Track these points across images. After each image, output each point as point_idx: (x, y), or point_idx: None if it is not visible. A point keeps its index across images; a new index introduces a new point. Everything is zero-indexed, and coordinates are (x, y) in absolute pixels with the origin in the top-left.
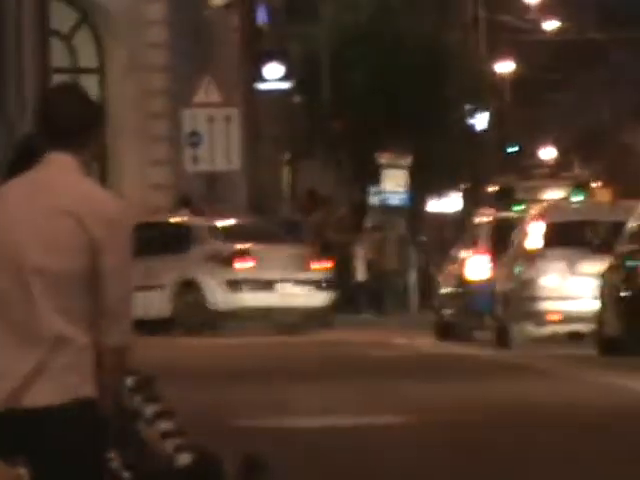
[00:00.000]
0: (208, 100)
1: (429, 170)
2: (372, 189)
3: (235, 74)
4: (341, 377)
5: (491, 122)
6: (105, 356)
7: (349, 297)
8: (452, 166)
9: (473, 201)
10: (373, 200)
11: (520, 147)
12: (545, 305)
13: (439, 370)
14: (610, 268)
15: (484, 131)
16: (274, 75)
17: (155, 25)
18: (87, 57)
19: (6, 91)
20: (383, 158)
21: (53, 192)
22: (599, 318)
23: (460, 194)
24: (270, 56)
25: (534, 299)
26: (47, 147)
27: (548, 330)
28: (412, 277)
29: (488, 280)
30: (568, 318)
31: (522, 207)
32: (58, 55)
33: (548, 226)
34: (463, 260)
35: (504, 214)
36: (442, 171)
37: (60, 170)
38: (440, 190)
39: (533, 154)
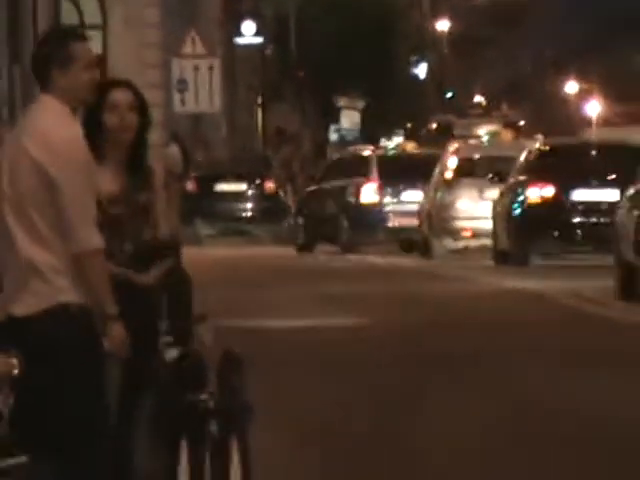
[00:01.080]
0: (194, 52)
1: (380, 111)
2: (332, 127)
3: (217, 30)
4: (307, 285)
5: (431, 71)
6: (79, 261)
7: None
8: (398, 108)
9: (416, 138)
10: (333, 137)
11: (455, 93)
12: (460, 223)
13: (381, 276)
14: (501, 194)
15: (425, 79)
16: (249, 31)
17: None
18: (92, 16)
19: (23, 44)
20: (341, 101)
21: (25, 130)
22: (493, 235)
23: (404, 132)
24: (246, 15)
25: (451, 219)
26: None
27: (462, 244)
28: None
29: (377, 204)
30: (477, 234)
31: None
32: (67, 14)
33: (460, 160)
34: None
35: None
36: (390, 112)
37: (38, 110)
38: (389, 129)
39: (468, 99)
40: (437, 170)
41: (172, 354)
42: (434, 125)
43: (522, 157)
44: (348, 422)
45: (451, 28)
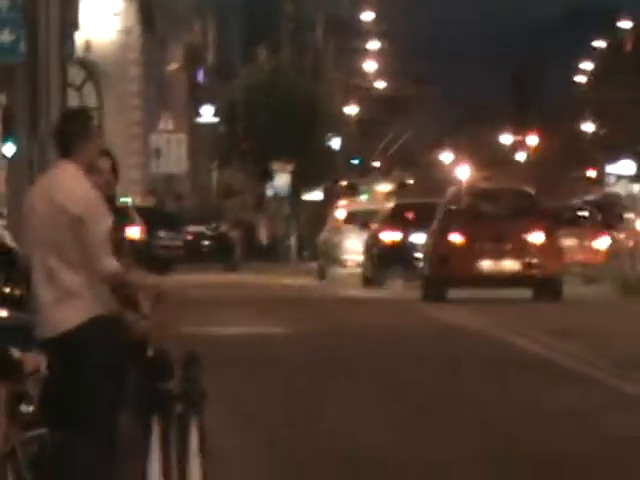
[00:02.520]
0: (166, 128)
1: (304, 173)
2: (268, 185)
3: (183, 112)
4: (246, 303)
5: (342, 144)
6: (106, 282)
7: (254, 251)
8: (317, 171)
9: (330, 193)
10: (269, 192)
11: (361, 160)
12: (346, 256)
13: (303, 299)
14: (369, 236)
15: (338, 150)
16: (208, 113)
17: (134, 80)
18: (91, 100)
19: (39, 122)
20: (275, 166)
21: (57, 190)
22: (364, 265)
23: (322, 189)
24: (205, 101)
25: (340, 252)
26: (60, 154)
27: (347, 271)
28: (292, 240)
29: None
30: (357, 264)
31: (366, 196)
32: (72, 100)
33: (347, 212)
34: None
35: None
36: (311, 174)
37: (61, 173)
38: (310, 186)
39: (368, 164)
40: (329, 219)
41: (149, 352)
42: (344, 183)
43: (384, 211)
44: (290, 403)
45: (358, 113)
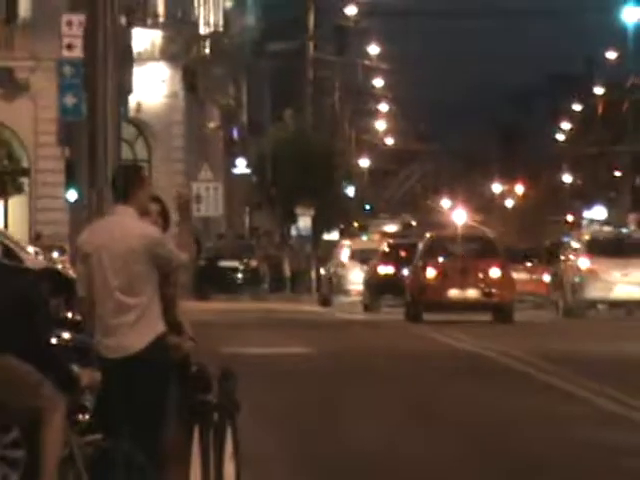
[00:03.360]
0: (206, 177)
1: (323, 216)
2: (293, 226)
3: (220, 164)
4: (273, 326)
5: (356, 192)
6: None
7: (280, 283)
8: (335, 214)
9: (346, 234)
10: (293, 232)
11: (371, 206)
12: (350, 287)
13: (318, 322)
14: (368, 270)
15: (353, 197)
16: (241, 165)
17: (178, 137)
18: (142, 154)
19: (98, 175)
20: (299, 210)
21: (124, 228)
22: (363, 294)
23: (338, 230)
24: (239, 155)
25: (345, 283)
26: (115, 200)
27: (351, 299)
28: (312, 275)
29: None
30: (358, 293)
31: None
32: (126, 153)
33: (351, 250)
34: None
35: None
36: (330, 217)
37: (121, 216)
38: (329, 227)
39: (378, 208)
40: (335, 255)
41: (193, 369)
42: (356, 224)
43: (380, 249)
44: (309, 412)
45: (369, 165)
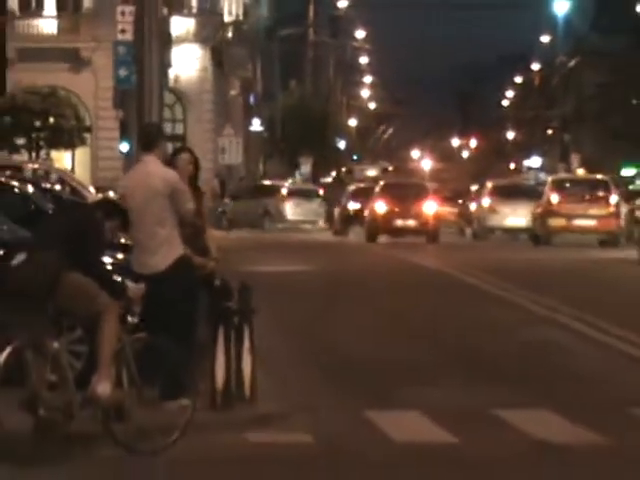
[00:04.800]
0: (229, 134)
1: (320, 164)
2: (297, 172)
3: (240, 123)
4: (283, 250)
5: (346, 145)
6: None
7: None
8: (329, 163)
9: (337, 177)
10: (297, 177)
11: (359, 156)
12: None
13: (328, 248)
14: (342, 206)
15: (344, 149)
16: (256, 124)
17: (207, 102)
18: (179, 115)
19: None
20: (301, 159)
21: (149, 172)
22: (335, 223)
23: (331, 174)
24: (255, 116)
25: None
26: (142, 150)
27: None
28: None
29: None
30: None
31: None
32: (166, 114)
33: (288, 190)
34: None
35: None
36: (325, 165)
37: (149, 163)
38: (324, 173)
39: (365, 158)
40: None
41: (217, 283)
42: (344, 169)
43: (377, 188)
44: (308, 317)
45: (357, 123)
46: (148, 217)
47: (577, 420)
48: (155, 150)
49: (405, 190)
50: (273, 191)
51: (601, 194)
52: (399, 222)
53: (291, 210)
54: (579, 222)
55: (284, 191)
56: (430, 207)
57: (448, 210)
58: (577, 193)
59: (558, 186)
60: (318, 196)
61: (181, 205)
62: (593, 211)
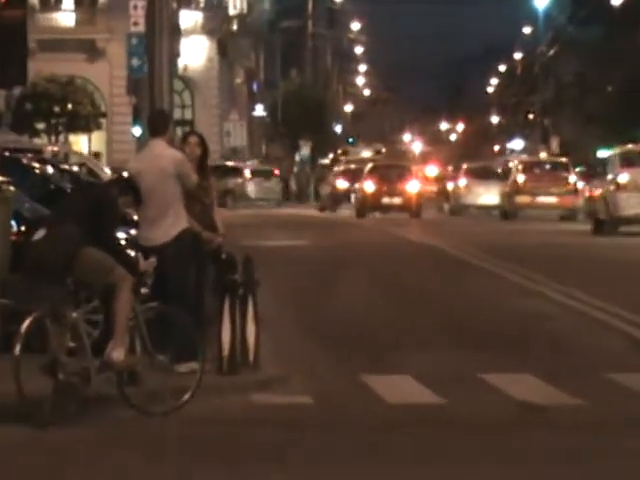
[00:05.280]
0: (234, 118)
1: (318, 147)
2: (297, 154)
3: (244, 109)
4: (282, 226)
5: (342, 129)
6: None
7: (288, 196)
8: (327, 146)
9: (334, 158)
10: (297, 158)
11: (354, 139)
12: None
13: (322, 224)
14: (331, 185)
15: (340, 133)
16: (259, 110)
17: (214, 89)
18: (187, 101)
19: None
20: (301, 142)
21: (158, 154)
22: (324, 200)
23: (329, 156)
24: (258, 101)
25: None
26: (151, 135)
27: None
28: (311, 189)
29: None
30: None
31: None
32: (176, 100)
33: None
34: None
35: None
36: (323, 147)
37: (157, 146)
38: (322, 154)
39: (359, 141)
40: (335, 170)
41: (222, 256)
42: (340, 151)
43: (366, 170)
44: (308, 287)
45: (352, 109)
46: (157, 195)
47: (555, 383)
48: (163, 134)
49: (391, 171)
50: (235, 172)
51: (561, 174)
52: (386, 200)
53: (253, 189)
54: (542, 199)
55: (247, 172)
56: (413, 186)
57: (429, 189)
58: (540, 174)
59: (524, 167)
60: (275, 176)
61: (186, 181)
62: (554, 189)
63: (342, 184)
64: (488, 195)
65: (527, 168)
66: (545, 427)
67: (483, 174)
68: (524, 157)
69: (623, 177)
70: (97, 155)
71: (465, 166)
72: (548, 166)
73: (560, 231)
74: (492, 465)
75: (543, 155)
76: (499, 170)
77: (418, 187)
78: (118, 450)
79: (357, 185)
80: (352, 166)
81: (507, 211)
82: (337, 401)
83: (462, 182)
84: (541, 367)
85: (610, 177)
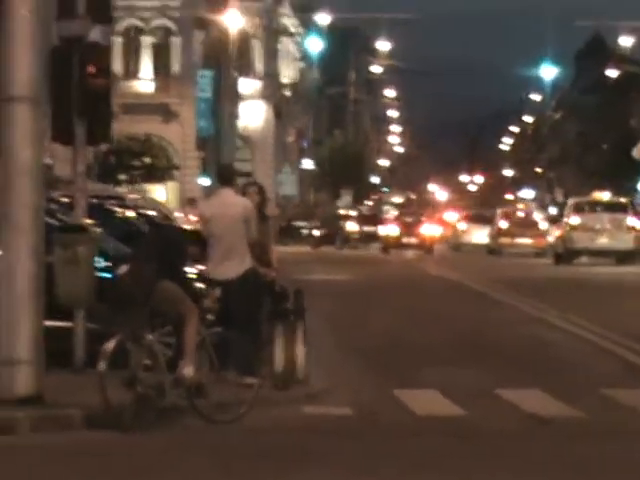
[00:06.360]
0: (286, 170)
1: (358, 195)
2: (338, 201)
3: (295, 162)
4: (329, 263)
5: (380, 180)
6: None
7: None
8: (366, 194)
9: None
10: (339, 204)
11: (389, 187)
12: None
13: (360, 262)
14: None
15: (377, 183)
16: (308, 163)
17: (270, 145)
18: (246, 156)
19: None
20: (343, 190)
21: (229, 202)
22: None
23: (370, 202)
24: (306, 156)
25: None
26: (220, 184)
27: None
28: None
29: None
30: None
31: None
32: (237, 155)
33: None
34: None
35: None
36: (362, 195)
37: (228, 194)
38: (361, 201)
39: (393, 190)
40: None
41: (277, 289)
42: (377, 197)
43: (389, 217)
44: (347, 314)
45: (389, 164)
46: (228, 237)
47: (560, 398)
48: (231, 184)
49: (410, 217)
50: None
51: (533, 220)
52: (406, 239)
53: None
54: (520, 240)
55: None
56: (426, 229)
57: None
58: (518, 220)
59: (505, 215)
60: None
61: (250, 232)
62: (529, 233)
63: (352, 226)
64: (480, 236)
65: (507, 215)
66: (549, 436)
67: (478, 219)
68: (505, 208)
69: (575, 220)
70: (191, 201)
71: (463, 213)
72: (524, 214)
73: (533, 263)
74: (507, 474)
75: (520, 206)
76: (489, 216)
77: (430, 230)
78: (188, 454)
79: (367, 227)
80: (368, 213)
81: (493, 249)
82: (372, 413)
83: (461, 225)
84: (548, 383)
85: (565, 220)
